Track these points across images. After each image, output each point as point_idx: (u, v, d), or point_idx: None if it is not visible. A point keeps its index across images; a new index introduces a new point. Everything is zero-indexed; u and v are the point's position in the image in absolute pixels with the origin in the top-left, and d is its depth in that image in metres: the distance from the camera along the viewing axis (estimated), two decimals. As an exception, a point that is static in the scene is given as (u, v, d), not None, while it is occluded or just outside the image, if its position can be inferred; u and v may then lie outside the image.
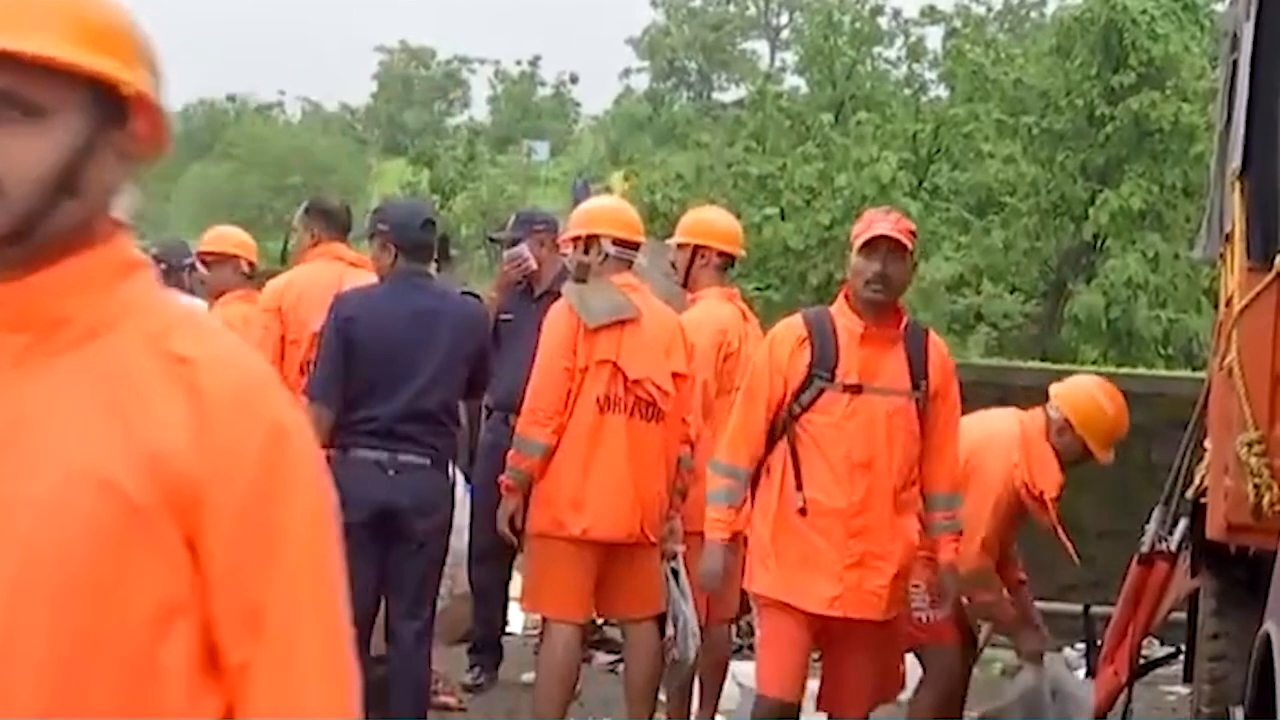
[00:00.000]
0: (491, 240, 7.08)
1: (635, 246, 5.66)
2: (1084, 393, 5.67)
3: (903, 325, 4.83)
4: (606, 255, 5.54)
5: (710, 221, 6.27)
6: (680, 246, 6.06)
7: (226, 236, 7.43)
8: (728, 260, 6.11)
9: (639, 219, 5.82)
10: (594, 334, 5.39)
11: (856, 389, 4.70)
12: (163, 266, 6.54)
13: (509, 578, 6.89)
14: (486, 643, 6.98)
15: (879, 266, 4.66)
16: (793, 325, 4.92)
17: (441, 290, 5.64)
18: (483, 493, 6.40)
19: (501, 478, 5.50)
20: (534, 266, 6.65)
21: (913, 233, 4.85)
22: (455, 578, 7.15)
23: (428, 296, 5.51)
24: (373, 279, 5.77)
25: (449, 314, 5.49)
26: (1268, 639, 3.44)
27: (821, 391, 4.71)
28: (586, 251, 5.57)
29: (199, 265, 7.10)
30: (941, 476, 4.89)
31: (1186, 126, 21.95)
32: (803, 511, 4.73)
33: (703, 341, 5.70)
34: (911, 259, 4.86)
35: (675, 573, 5.60)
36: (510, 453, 5.49)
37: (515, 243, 6.80)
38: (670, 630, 5.56)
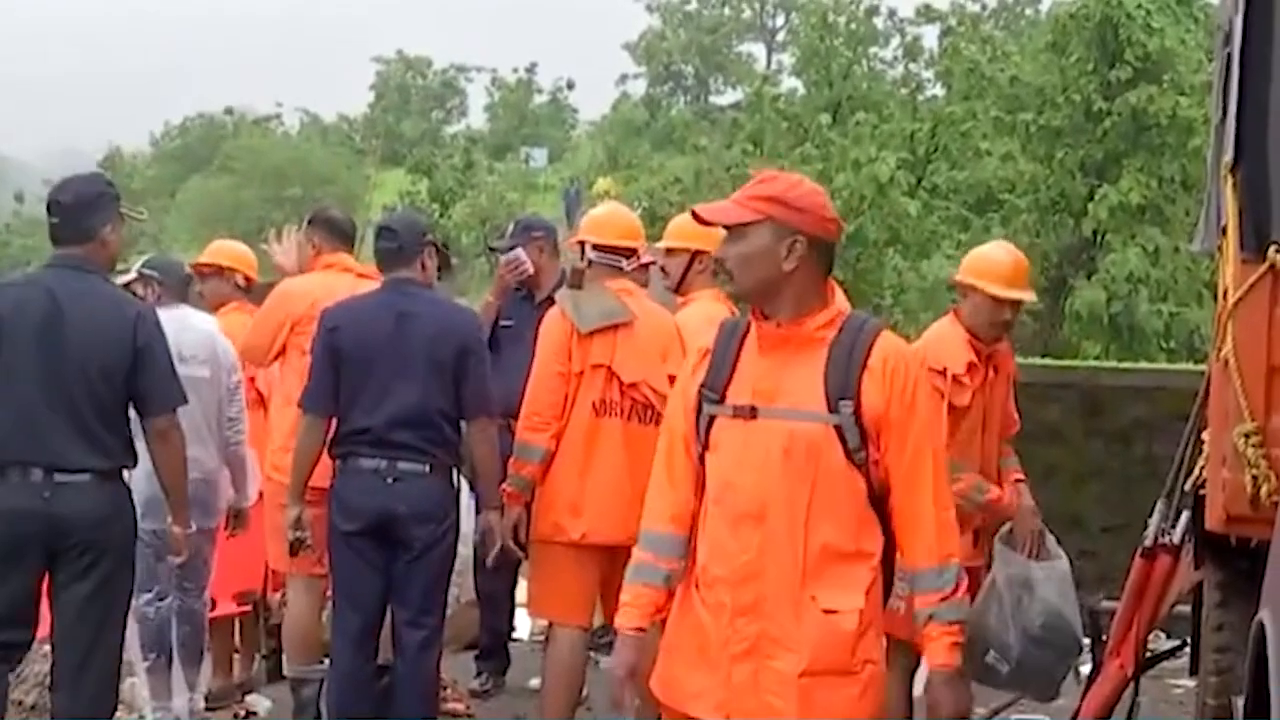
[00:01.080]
0: (491, 250, 7.06)
1: (621, 251, 5.68)
2: (973, 253, 5.69)
3: (825, 324, 3.49)
4: (590, 261, 5.60)
5: (704, 226, 6.27)
6: (674, 252, 6.07)
7: (220, 250, 7.52)
8: (721, 264, 6.13)
9: (633, 224, 5.83)
10: (588, 339, 5.41)
11: (749, 412, 3.47)
12: (159, 283, 6.56)
13: (515, 584, 6.91)
14: (494, 649, 7.00)
15: (722, 250, 3.63)
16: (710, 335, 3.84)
17: (428, 297, 5.60)
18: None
19: (503, 485, 5.51)
20: (530, 270, 6.67)
21: (771, 199, 3.48)
22: (462, 585, 7.18)
23: (411, 303, 5.50)
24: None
25: (429, 320, 5.47)
26: (1262, 627, 3.45)
27: (712, 420, 3.53)
28: (582, 256, 5.66)
29: (195, 278, 7.14)
30: (920, 545, 3.49)
31: (1184, 120, 21.96)
32: (697, 584, 3.56)
33: (702, 341, 5.70)
34: (776, 233, 3.45)
35: None
36: (510, 459, 5.50)
37: (515, 250, 6.82)
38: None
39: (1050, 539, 5.65)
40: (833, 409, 3.42)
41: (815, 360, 3.46)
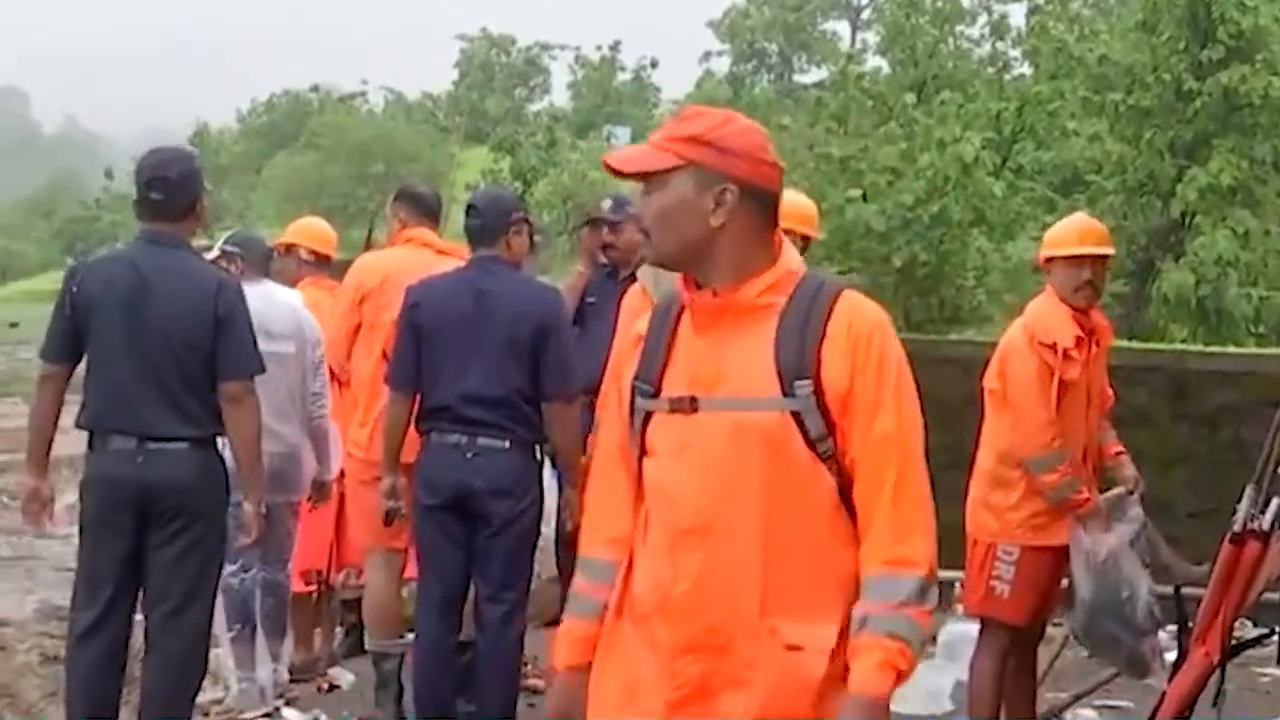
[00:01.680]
0: (593, 222, 7.08)
1: None
2: (1049, 231, 5.91)
3: (771, 288, 2.83)
4: None
5: (789, 203, 6.21)
6: None
7: (296, 227, 7.64)
8: (805, 242, 6.12)
9: None
10: None
11: (688, 405, 2.81)
12: (241, 258, 6.64)
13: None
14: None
15: (640, 205, 3.01)
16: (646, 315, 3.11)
17: (510, 276, 5.62)
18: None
19: (583, 459, 5.52)
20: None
21: (694, 139, 2.83)
22: (545, 561, 7.21)
23: (492, 281, 5.53)
24: (458, 264, 5.83)
25: (509, 299, 5.49)
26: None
27: (648, 417, 2.88)
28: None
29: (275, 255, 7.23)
30: (873, 546, 2.77)
31: (1277, 100, 21.58)
32: (628, 616, 2.93)
33: None
34: (701, 181, 2.81)
35: None
36: (590, 435, 5.51)
37: (615, 225, 6.83)
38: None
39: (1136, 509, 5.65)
40: (788, 391, 2.75)
41: (763, 334, 2.79)
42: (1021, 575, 5.65)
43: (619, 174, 2.88)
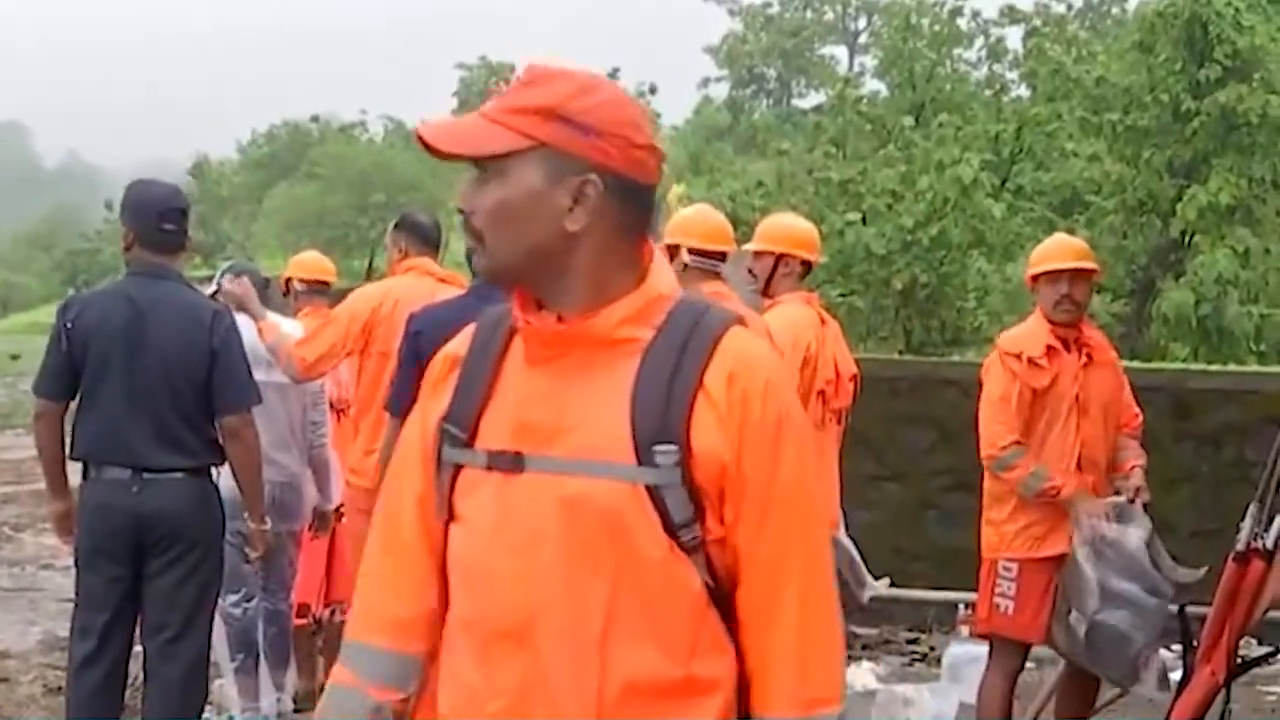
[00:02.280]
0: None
1: (716, 255, 5.63)
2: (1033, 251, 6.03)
3: (636, 317, 2.10)
4: (685, 265, 5.54)
5: (791, 228, 6.25)
6: (761, 254, 6.04)
7: (290, 262, 7.70)
8: (807, 267, 6.12)
9: (726, 227, 5.78)
10: None
11: (511, 463, 2.09)
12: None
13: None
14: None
15: (467, 198, 2.19)
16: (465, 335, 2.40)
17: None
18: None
19: None
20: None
21: (546, 112, 2.08)
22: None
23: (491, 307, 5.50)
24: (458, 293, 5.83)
25: None
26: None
27: (457, 472, 2.15)
28: (671, 260, 5.59)
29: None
30: (776, 684, 2.10)
31: (1275, 119, 21.62)
32: None
33: (783, 344, 5.68)
34: (554, 169, 2.07)
35: None
36: None
37: None
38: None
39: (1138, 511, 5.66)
40: (644, 458, 2.00)
41: (619, 377, 2.04)
42: (1023, 589, 5.66)
43: (438, 153, 2.10)
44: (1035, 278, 5.79)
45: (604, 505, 2.02)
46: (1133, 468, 5.81)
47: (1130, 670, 5.59)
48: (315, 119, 71.74)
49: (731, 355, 2.06)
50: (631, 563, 2.02)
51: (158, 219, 5.24)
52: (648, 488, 2.01)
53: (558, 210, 2.05)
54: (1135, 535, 5.50)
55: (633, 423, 2.02)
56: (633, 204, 2.09)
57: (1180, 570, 5.61)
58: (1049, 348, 5.67)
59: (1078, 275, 5.74)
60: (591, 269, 2.08)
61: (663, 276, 2.14)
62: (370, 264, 47.46)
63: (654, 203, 2.15)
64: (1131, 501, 5.63)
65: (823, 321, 6.03)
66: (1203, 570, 5.61)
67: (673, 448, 2.01)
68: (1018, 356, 5.67)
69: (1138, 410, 5.95)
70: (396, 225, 6.44)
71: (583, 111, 2.05)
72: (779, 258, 6.00)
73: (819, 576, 2.10)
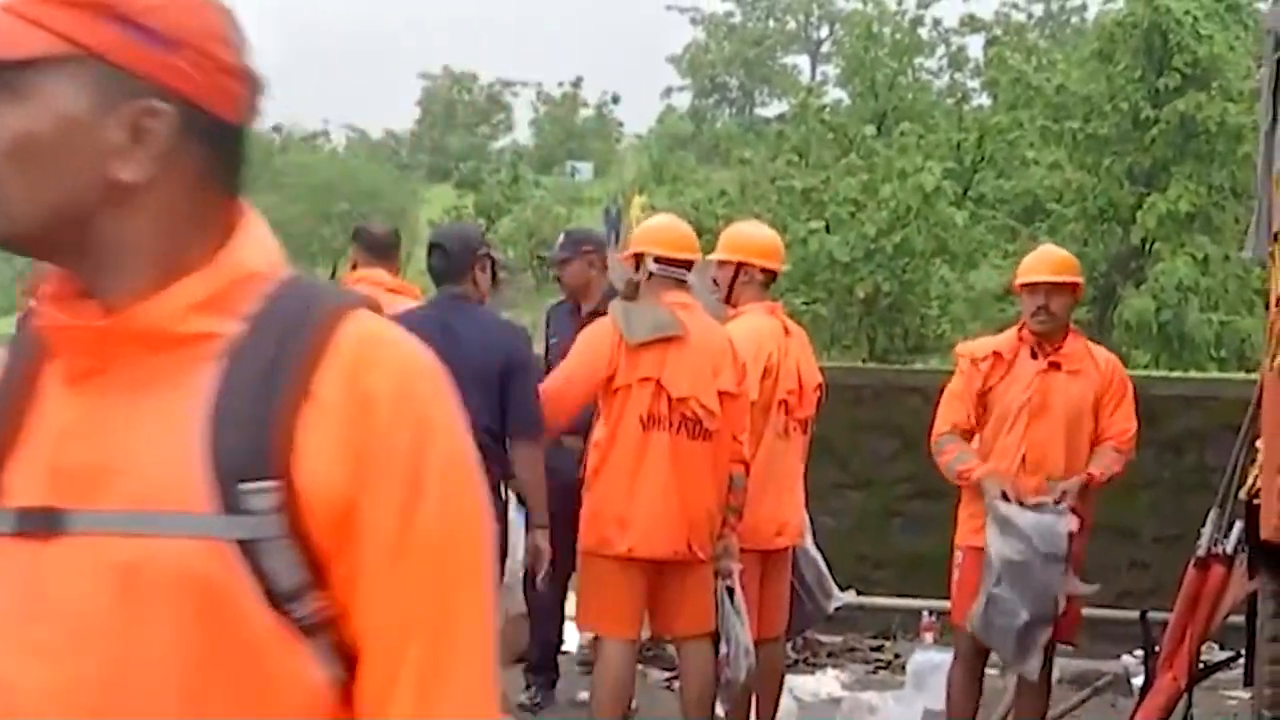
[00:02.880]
0: (541, 260, 7.11)
1: (682, 264, 5.65)
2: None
3: (209, 303, 1.43)
4: (650, 273, 5.55)
5: (751, 237, 6.25)
6: (723, 264, 6.05)
7: None
8: (770, 276, 6.12)
9: (691, 236, 5.79)
10: (635, 351, 5.38)
11: (41, 523, 1.40)
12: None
13: (564, 597, 6.92)
14: (543, 662, 7.00)
15: None
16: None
17: (475, 313, 5.59)
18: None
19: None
20: None
21: (89, 6, 1.40)
22: (511, 598, 7.19)
23: (457, 318, 5.48)
24: (411, 304, 5.82)
25: (475, 336, 5.45)
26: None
27: None
28: (636, 269, 5.60)
29: None
30: None
31: (1233, 127, 21.80)
32: None
33: (745, 354, 5.69)
34: (99, 88, 1.39)
35: (730, 591, 5.60)
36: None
37: (565, 262, 6.83)
38: (724, 649, 5.55)
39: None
40: (231, 503, 1.37)
41: (190, 389, 1.41)
42: (962, 575, 5.79)
43: None
44: (1020, 287, 6.01)
45: (174, 574, 1.36)
46: (1085, 475, 5.83)
47: (1017, 649, 5.66)
48: (277, 129, 71.51)
49: (351, 348, 1.41)
50: (220, 655, 1.37)
51: None
52: (240, 544, 1.36)
53: (106, 148, 1.40)
54: (1034, 517, 5.60)
55: (211, 454, 1.37)
56: (217, 148, 1.46)
57: (1076, 581, 5.69)
58: (995, 352, 5.91)
59: (1056, 288, 5.88)
60: (155, 239, 1.43)
61: (255, 247, 1.49)
62: (334, 273, 47.32)
63: (245, 152, 1.51)
64: (1057, 503, 5.66)
65: (786, 331, 6.03)
66: (1095, 586, 5.73)
67: (270, 485, 1.37)
68: (967, 357, 6.03)
69: (1128, 425, 5.96)
70: (353, 236, 6.47)
71: (149, 11, 1.40)
72: (739, 266, 6.00)
73: (457, 654, 1.41)
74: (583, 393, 5.43)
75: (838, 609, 6.48)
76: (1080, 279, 6.09)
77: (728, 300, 6.04)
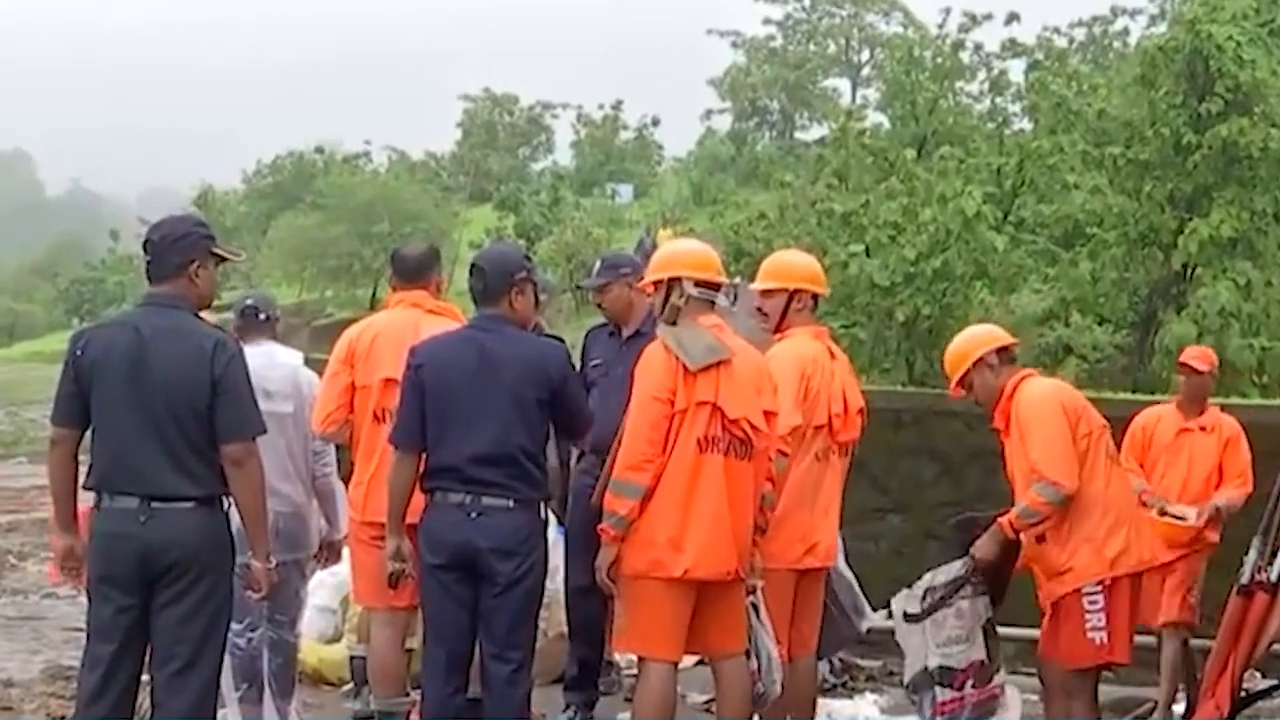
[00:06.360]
0: (579, 288, 7.16)
1: (716, 287, 5.68)
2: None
3: None
4: (689, 297, 5.57)
5: (799, 265, 6.29)
6: (773, 293, 6.07)
7: None
8: (814, 301, 6.16)
9: (718, 259, 5.83)
10: (693, 376, 5.41)
11: None
12: (261, 316, 6.67)
13: (605, 616, 6.92)
14: (582, 682, 7.01)
15: None
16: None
17: (514, 334, 5.63)
18: (577, 534, 6.52)
19: (602, 526, 5.49)
20: None
21: None
22: (550, 618, 7.20)
23: (495, 340, 5.55)
24: (451, 326, 5.87)
25: (515, 357, 5.51)
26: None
27: None
28: (668, 294, 5.61)
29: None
30: None
31: (1276, 152, 21.65)
32: None
33: (783, 376, 5.72)
34: None
35: (755, 607, 5.65)
36: (608, 497, 5.48)
37: (604, 288, 6.86)
38: (754, 664, 5.58)
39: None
40: None
41: None
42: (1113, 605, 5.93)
43: None
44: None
45: None
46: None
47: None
48: (320, 150, 71.90)
49: None
50: None
51: (143, 249, 5.34)
52: None
53: None
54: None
55: None
56: None
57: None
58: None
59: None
60: None
61: None
62: (374, 294, 47.50)
63: None
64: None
65: (832, 355, 6.06)
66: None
67: None
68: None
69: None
70: (390, 260, 6.50)
71: None
72: (793, 294, 6.05)
73: None
74: (664, 423, 5.40)
75: (875, 632, 6.48)
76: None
77: (779, 328, 6.07)
